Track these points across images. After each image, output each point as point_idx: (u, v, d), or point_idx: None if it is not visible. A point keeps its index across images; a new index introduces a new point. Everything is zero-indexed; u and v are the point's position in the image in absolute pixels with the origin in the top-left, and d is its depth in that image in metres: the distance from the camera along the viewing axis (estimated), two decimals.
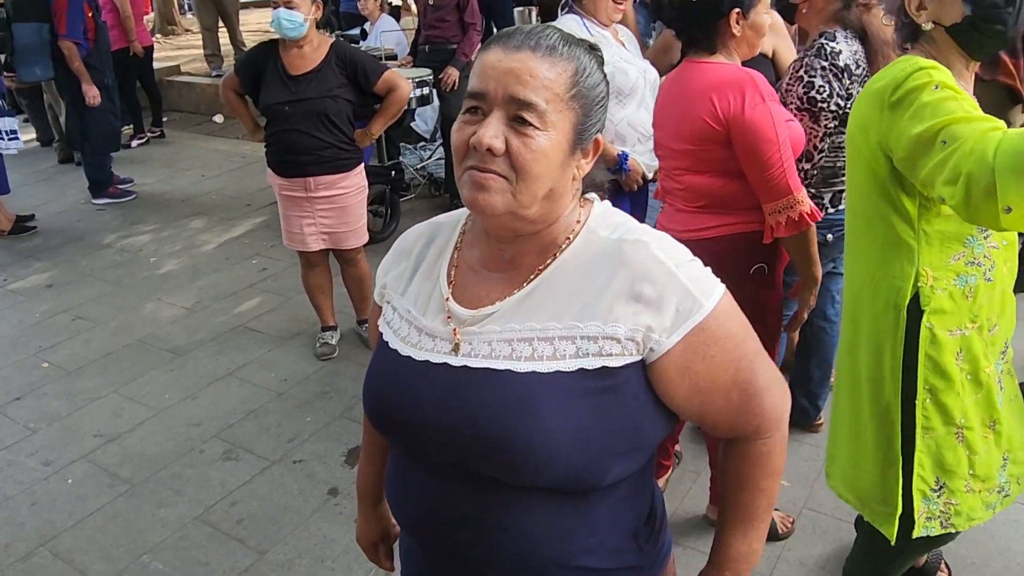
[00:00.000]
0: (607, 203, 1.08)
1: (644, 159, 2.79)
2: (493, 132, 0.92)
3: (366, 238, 3.43)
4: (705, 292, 0.98)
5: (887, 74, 1.47)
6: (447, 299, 1.05)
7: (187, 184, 6.07)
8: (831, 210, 2.36)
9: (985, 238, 1.51)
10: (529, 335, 0.98)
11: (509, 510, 1.00)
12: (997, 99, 3.17)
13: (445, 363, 1.01)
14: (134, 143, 7.06)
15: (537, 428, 0.94)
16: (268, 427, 3.06)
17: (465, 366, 1.00)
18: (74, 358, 3.64)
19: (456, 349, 1.01)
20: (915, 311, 1.55)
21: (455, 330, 1.02)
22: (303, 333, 3.75)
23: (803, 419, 2.81)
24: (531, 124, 0.92)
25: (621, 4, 2.69)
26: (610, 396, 0.96)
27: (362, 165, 3.34)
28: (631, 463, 1.02)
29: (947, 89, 1.37)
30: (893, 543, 1.64)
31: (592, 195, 1.08)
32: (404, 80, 3.25)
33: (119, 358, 3.62)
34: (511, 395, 0.96)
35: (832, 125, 2.22)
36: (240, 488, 2.73)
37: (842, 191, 2.34)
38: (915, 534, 1.63)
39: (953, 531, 1.65)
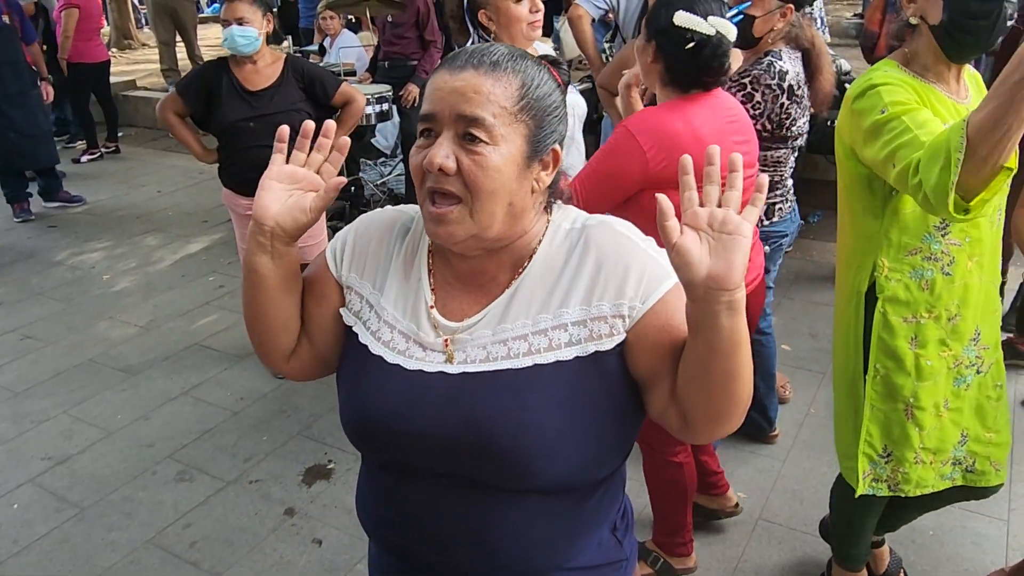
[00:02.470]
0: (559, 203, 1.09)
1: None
2: (444, 152, 0.94)
3: None
4: (671, 267, 0.98)
5: (854, 85, 1.62)
6: (431, 307, 1.04)
7: (142, 200, 5.97)
8: (765, 223, 2.41)
9: (943, 236, 1.60)
10: (522, 332, 0.99)
11: (510, 515, 1.00)
12: None
13: (441, 371, 1.01)
14: (84, 158, 6.92)
15: (543, 424, 0.95)
16: (223, 447, 3.01)
17: (464, 372, 1.00)
18: (22, 379, 3.54)
19: (450, 359, 1.01)
20: (872, 298, 1.70)
21: (447, 340, 1.02)
22: None
23: (757, 432, 2.85)
24: (480, 140, 0.93)
25: (536, 21, 2.36)
26: (603, 384, 0.98)
27: None
28: (618, 456, 1.05)
29: (896, 106, 1.47)
30: (857, 492, 1.84)
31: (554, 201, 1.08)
32: (360, 92, 3.28)
33: (69, 378, 3.54)
34: (515, 392, 0.97)
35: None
36: (194, 510, 2.67)
37: (775, 204, 2.41)
38: (858, 492, 1.82)
39: (902, 495, 1.82)
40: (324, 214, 3.33)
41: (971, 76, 1.72)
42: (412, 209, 1.13)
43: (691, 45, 1.79)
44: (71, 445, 3.05)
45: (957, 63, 1.60)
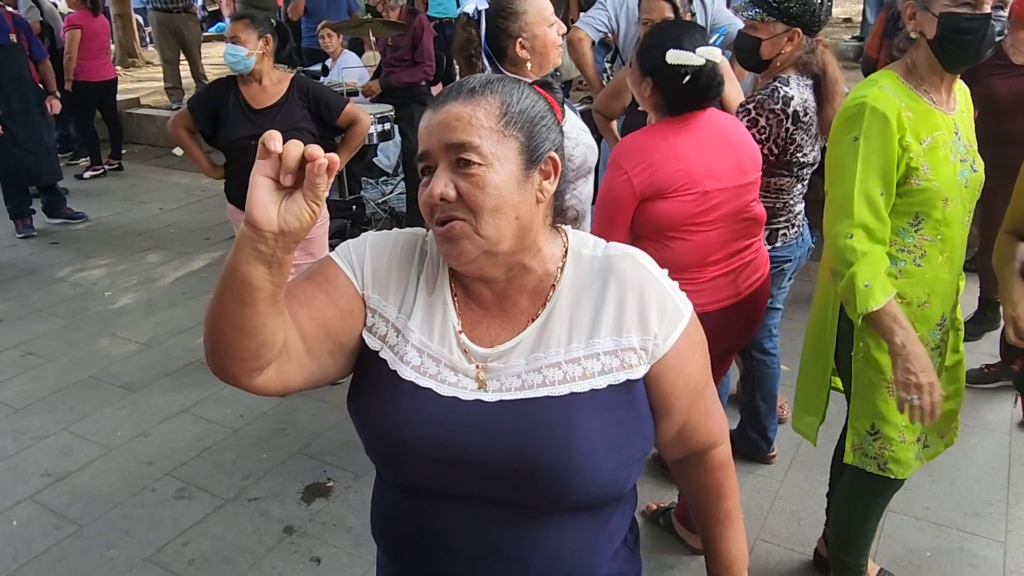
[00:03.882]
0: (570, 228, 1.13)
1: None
2: (443, 182, 0.97)
3: None
4: (683, 300, 1.06)
5: (852, 92, 1.80)
6: (460, 332, 1.05)
7: (145, 217, 6.00)
8: (768, 247, 2.42)
9: (916, 232, 1.79)
10: (556, 360, 1.02)
11: (540, 534, 1.03)
12: None
13: (477, 399, 1.02)
14: (87, 174, 6.98)
15: (580, 448, 0.98)
16: (223, 465, 3.01)
17: (501, 400, 1.01)
18: (22, 395, 3.55)
19: (483, 386, 1.03)
20: None
21: (479, 367, 1.03)
22: None
23: (755, 451, 2.86)
24: (473, 162, 0.96)
25: (560, 47, 2.29)
26: (631, 408, 1.03)
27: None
28: (640, 469, 1.09)
29: (867, 141, 1.70)
30: (815, 445, 2.12)
31: (563, 226, 1.11)
32: (365, 113, 3.31)
33: (69, 395, 3.55)
34: (554, 420, 0.99)
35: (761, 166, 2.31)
36: (193, 527, 2.68)
37: (778, 229, 2.43)
38: (846, 459, 1.97)
39: (891, 476, 1.94)
40: (327, 228, 3.38)
41: (961, 90, 1.87)
42: (421, 231, 1.13)
43: (688, 79, 1.91)
44: (71, 462, 3.06)
45: (952, 73, 1.76)
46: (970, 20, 1.64)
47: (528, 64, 2.16)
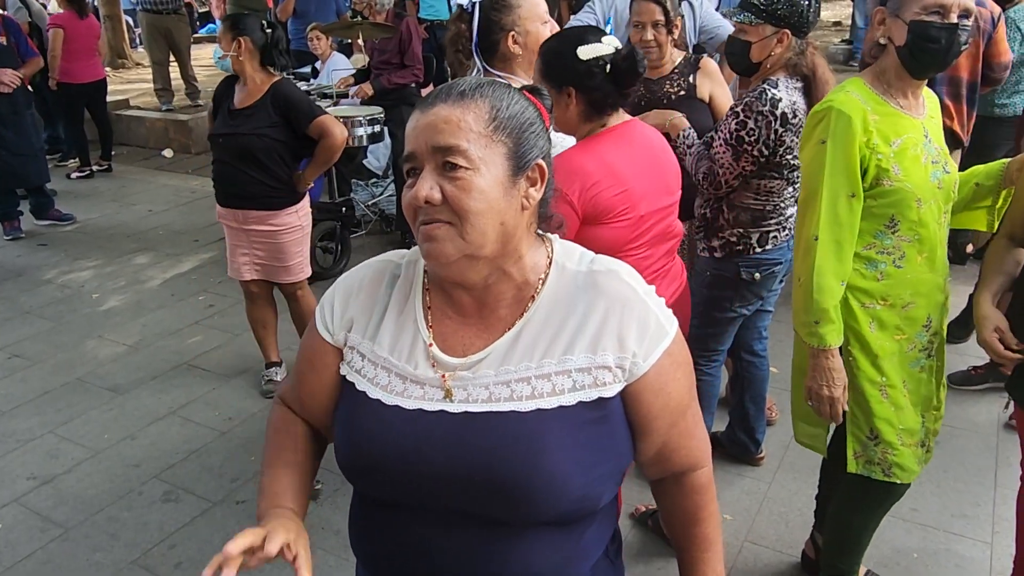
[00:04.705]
0: (557, 237, 1.12)
1: None
2: (428, 184, 0.96)
3: (304, 275, 3.39)
4: (668, 319, 1.05)
5: (823, 99, 1.85)
6: (430, 345, 1.05)
7: (134, 219, 5.98)
8: (758, 249, 2.42)
9: (893, 233, 1.83)
10: (526, 375, 1.01)
11: (514, 548, 1.01)
12: None
13: (442, 410, 1.01)
14: (74, 175, 6.96)
15: (547, 465, 0.97)
16: (211, 467, 3.00)
17: (466, 412, 1.00)
18: (8, 398, 3.53)
19: (448, 395, 1.02)
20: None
21: (444, 376, 1.03)
22: (249, 371, 3.69)
23: (744, 453, 2.87)
24: (460, 166, 0.96)
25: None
26: (604, 425, 1.01)
27: (299, 205, 3.28)
28: (615, 485, 1.07)
29: (835, 143, 1.74)
30: (825, 455, 2.08)
31: (551, 235, 1.11)
32: (339, 127, 3.19)
33: (56, 397, 3.52)
34: (519, 435, 0.98)
35: (750, 168, 2.31)
36: (179, 531, 2.66)
37: (768, 232, 2.43)
38: (849, 468, 1.96)
39: (897, 482, 1.94)
40: (303, 237, 3.39)
41: (929, 96, 1.92)
42: (396, 255, 1.14)
43: (609, 67, 1.86)
44: (57, 465, 3.03)
45: (918, 79, 1.81)
46: (939, 29, 1.69)
47: (518, 60, 2.16)
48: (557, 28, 2.31)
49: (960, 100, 3.47)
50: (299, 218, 3.31)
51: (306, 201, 3.34)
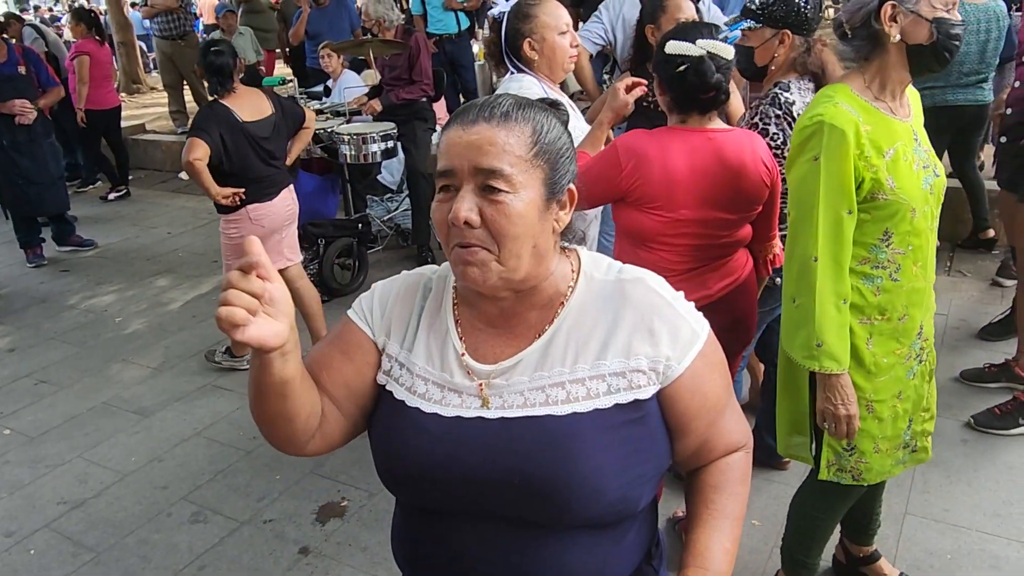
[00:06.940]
0: (584, 249, 1.14)
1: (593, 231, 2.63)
2: (468, 206, 0.97)
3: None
4: (699, 322, 1.06)
5: (806, 111, 1.78)
6: (463, 355, 1.07)
7: (153, 242, 6.04)
8: (777, 250, 2.41)
9: (887, 247, 1.78)
10: (560, 379, 1.03)
11: (553, 551, 1.03)
12: None
13: (479, 417, 1.04)
14: (111, 196, 7.13)
15: (583, 467, 0.98)
16: (237, 487, 3.02)
17: (502, 418, 1.03)
18: (37, 424, 3.57)
19: (485, 403, 1.04)
20: None
21: (481, 384, 1.05)
22: None
23: (771, 458, 2.84)
24: (501, 190, 0.97)
25: (573, 55, 2.52)
26: (641, 426, 1.03)
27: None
28: (654, 487, 1.08)
29: (829, 160, 1.67)
30: (815, 466, 1.99)
31: (575, 245, 1.13)
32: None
33: (83, 422, 3.56)
34: (555, 439, 1.00)
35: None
36: (209, 551, 2.68)
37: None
38: (821, 476, 1.95)
39: (865, 484, 1.96)
40: (297, 231, 3.56)
41: (913, 95, 1.87)
42: (428, 270, 1.17)
43: (680, 69, 1.92)
44: (86, 489, 3.07)
45: (918, 76, 1.75)
46: (958, 27, 1.66)
47: (536, 64, 2.39)
48: (577, 40, 2.46)
49: None
50: (285, 206, 3.78)
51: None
